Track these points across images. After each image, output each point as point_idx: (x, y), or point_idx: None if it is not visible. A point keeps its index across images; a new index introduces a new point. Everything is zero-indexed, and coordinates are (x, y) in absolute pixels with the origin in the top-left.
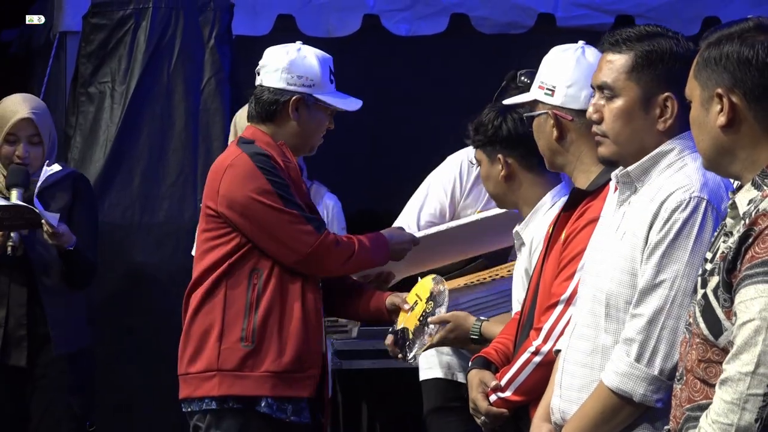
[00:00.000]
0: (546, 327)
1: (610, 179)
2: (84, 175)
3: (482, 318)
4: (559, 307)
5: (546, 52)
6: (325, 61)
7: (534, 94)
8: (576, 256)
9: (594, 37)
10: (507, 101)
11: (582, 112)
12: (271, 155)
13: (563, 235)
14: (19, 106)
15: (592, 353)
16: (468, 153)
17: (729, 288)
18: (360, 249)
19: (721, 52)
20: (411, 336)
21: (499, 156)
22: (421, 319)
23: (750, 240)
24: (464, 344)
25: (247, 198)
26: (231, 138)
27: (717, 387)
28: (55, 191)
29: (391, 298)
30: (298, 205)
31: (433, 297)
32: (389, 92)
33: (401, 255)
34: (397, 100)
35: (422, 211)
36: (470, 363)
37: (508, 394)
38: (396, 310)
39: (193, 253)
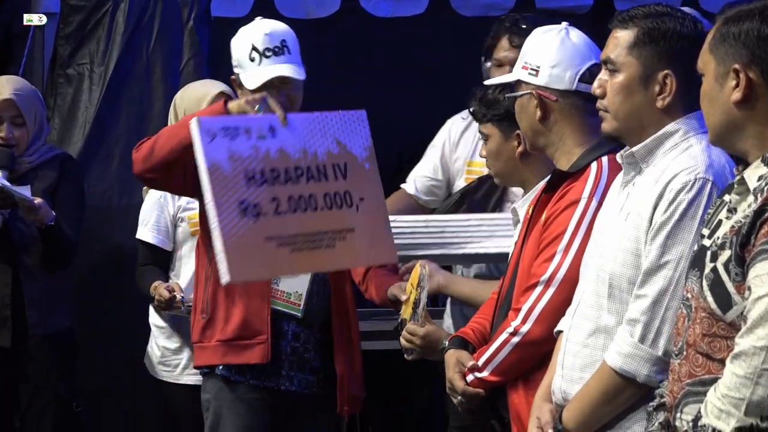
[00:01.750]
0: (525, 308)
1: (592, 161)
2: (72, 156)
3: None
4: (539, 288)
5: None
6: (246, 39)
7: (518, 74)
8: (556, 238)
9: (571, 20)
10: (490, 81)
11: (566, 93)
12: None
13: (543, 217)
14: (1, 87)
15: (595, 333)
16: (460, 114)
17: (741, 262)
18: (159, 135)
19: (741, 29)
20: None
21: (518, 132)
22: (414, 307)
23: (766, 215)
24: (432, 356)
25: None
26: (171, 120)
27: (728, 361)
28: (42, 171)
29: (392, 289)
30: None
31: (419, 283)
32: (368, 74)
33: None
34: (376, 82)
35: (417, 172)
36: (447, 343)
37: (485, 374)
38: (398, 301)
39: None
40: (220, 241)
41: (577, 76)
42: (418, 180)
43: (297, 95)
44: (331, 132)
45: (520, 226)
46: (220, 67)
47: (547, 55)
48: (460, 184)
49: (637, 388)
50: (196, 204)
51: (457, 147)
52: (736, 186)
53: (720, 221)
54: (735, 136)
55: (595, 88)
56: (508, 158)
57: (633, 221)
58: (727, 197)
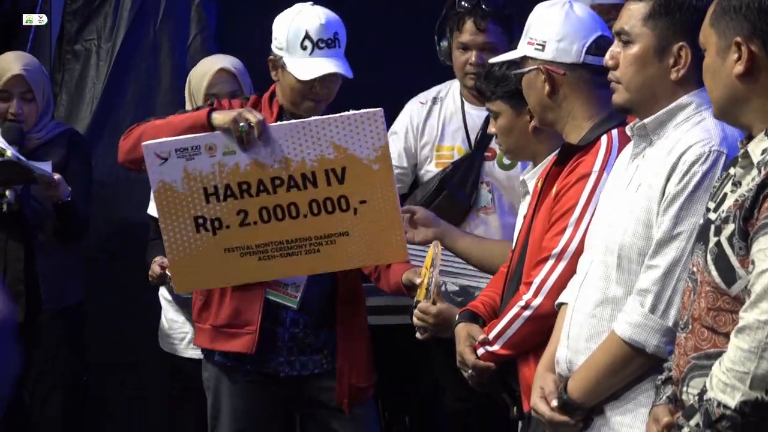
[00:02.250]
0: (537, 281)
1: (602, 134)
2: (79, 132)
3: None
4: (550, 262)
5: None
6: (300, 26)
7: (523, 50)
8: (567, 211)
9: None
10: (494, 59)
11: (574, 66)
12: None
13: (554, 190)
14: (11, 63)
15: (602, 304)
16: (417, 98)
17: (745, 236)
18: (148, 126)
19: (741, 1)
20: None
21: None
22: (428, 288)
23: None
24: (445, 334)
25: None
26: (186, 96)
27: (733, 335)
28: (51, 148)
29: (407, 274)
30: None
31: (432, 262)
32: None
33: (226, 121)
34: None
35: None
36: (457, 316)
37: (496, 347)
38: (413, 286)
39: None
40: (168, 257)
41: (584, 49)
42: None
43: (336, 88)
44: (328, 137)
45: (528, 198)
46: (226, 42)
47: (552, 29)
48: (430, 169)
49: (646, 358)
50: None
51: (423, 133)
52: (740, 159)
53: (725, 194)
54: (738, 109)
55: (607, 59)
56: (521, 133)
57: (644, 192)
58: (732, 170)
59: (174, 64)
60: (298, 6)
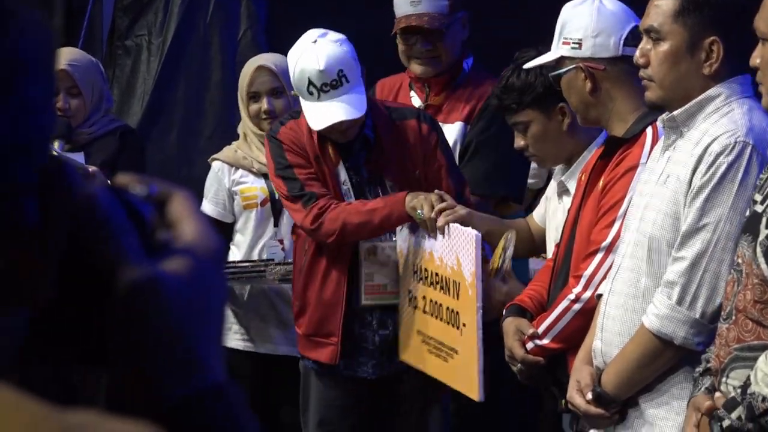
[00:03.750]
0: (586, 274)
1: (647, 126)
2: (132, 128)
3: None
4: (600, 255)
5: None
6: (303, 71)
7: (559, 51)
8: (616, 204)
9: None
10: (529, 64)
11: (613, 60)
12: (281, 140)
13: (601, 183)
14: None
15: (634, 297)
16: None
17: None
18: (347, 222)
19: None
20: None
21: (560, 105)
22: (498, 268)
23: None
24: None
25: (269, 175)
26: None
27: None
28: (103, 143)
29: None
30: (297, 181)
31: (505, 244)
32: None
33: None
34: None
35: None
36: (504, 311)
37: (546, 341)
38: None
39: None
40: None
41: (622, 41)
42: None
43: (354, 123)
44: (456, 247)
45: (566, 198)
46: (277, 37)
47: (586, 26)
48: None
49: (675, 350)
50: (248, 177)
51: None
52: None
53: None
54: None
55: (638, 57)
56: (557, 136)
57: (672, 184)
58: None
59: (224, 59)
60: (303, 43)
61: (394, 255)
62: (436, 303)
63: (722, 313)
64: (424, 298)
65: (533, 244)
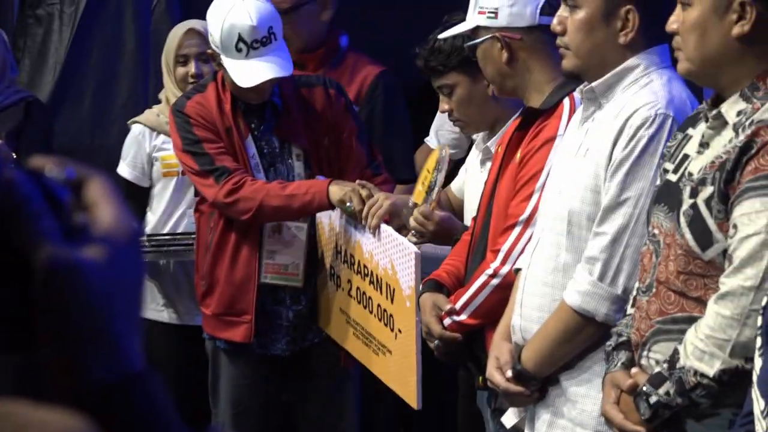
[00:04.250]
0: (504, 248)
1: (564, 97)
2: (39, 99)
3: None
4: (518, 228)
5: None
6: (233, 27)
7: (474, 20)
8: (533, 176)
9: None
10: (443, 34)
11: (530, 29)
12: (188, 114)
13: (518, 155)
14: None
15: (554, 272)
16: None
17: (725, 199)
18: (265, 204)
19: None
20: None
21: None
22: (428, 191)
23: (753, 151)
24: (445, 243)
25: (175, 152)
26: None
27: (712, 301)
28: (6, 113)
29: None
30: (207, 156)
31: (437, 165)
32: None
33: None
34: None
35: (439, 125)
36: (421, 286)
37: (463, 317)
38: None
39: None
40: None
41: (538, 10)
42: (440, 133)
43: (274, 81)
44: (390, 252)
45: (489, 164)
46: (191, 6)
47: None
48: None
49: (596, 327)
50: (170, 144)
51: None
52: (710, 120)
53: (687, 156)
54: (721, 70)
55: (555, 24)
56: (481, 101)
57: (592, 157)
58: (691, 131)
59: (138, 28)
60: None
61: (300, 236)
62: (364, 294)
63: (639, 285)
64: (349, 281)
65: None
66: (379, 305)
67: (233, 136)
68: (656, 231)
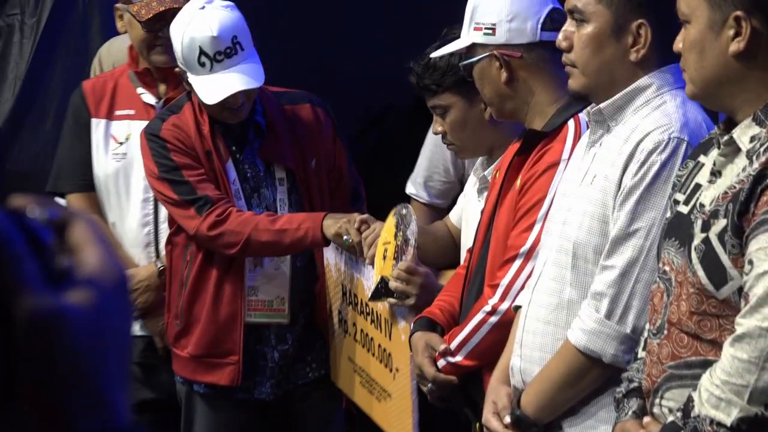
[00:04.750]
0: (504, 283)
1: (568, 118)
2: None
3: None
4: (518, 261)
5: None
6: (193, 41)
7: (470, 37)
8: (535, 205)
9: None
10: (436, 53)
11: (531, 46)
12: (164, 138)
13: (519, 181)
14: None
15: (557, 309)
16: None
17: (739, 233)
18: (253, 239)
19: None
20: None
21: None
22: (396, 256)
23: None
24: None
25: (148, 180)
26: (94, 71)
27: (728, 344)
28: None
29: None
30: (187, 184)
31: (399, 226)
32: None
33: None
34: (348, 36)
35: (424, 176)
36: (413, 324)
37: (459, 358)
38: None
39: None
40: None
41: (539, 25)
42: (430, 186)
43: (251, 94)
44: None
45: (486, 193)
46: None
47: (500, 9)
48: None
49: (603, 368)
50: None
51: None
52: (722, 147)
53: (698, 185)
54: (725, 90)
55: (560, 40)
56: (477, 125)
57: (600, 184)
58: (703, 158)
59: (105, 41)
60: (188, 11)
61: (284, 267)
62: (367, 335)
63: (650, 327)
64: (354, 325)
65: (456, 250)
66: (379, 345)
67: (213, 160)
68: (667, 268)
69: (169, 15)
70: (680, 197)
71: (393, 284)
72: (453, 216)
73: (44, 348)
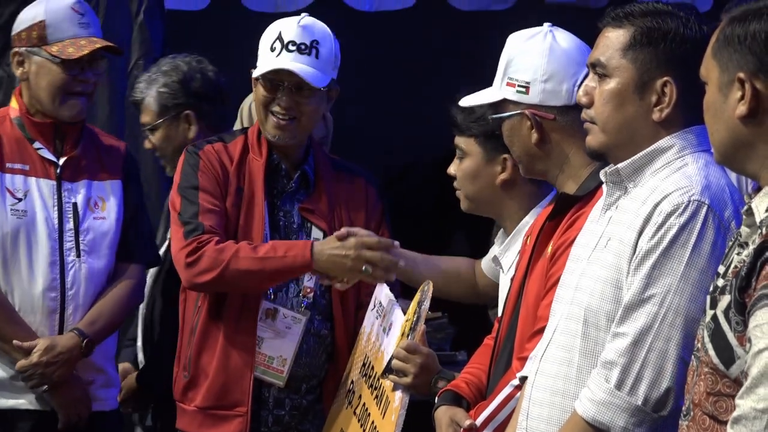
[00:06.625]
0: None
1: (602, 183)
2: None
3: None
4: None
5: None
6: (276, 27)
7: (501, 92)
8: None
9: (585, 15)
10: (465, 100)
11: (565, 109)
12: (200, 156)
13: (549, 248)
14: None
15: (565, 379)
16: None
17: (742, 309)
18: (231, 267)
19: (747, 30)
20: None
21: (504, 156)
22: (408, 333)
23: (767, 254)
24: (422, 390)
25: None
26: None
27: (729, 426)
28: None
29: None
30: (196, 207)
31: (420, 303)
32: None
33: (339, 266)
34: (360, 84)
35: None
36: (437, 398)
37: None
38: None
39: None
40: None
41: (575, 88)
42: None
43: (308, 105)
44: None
45: (503, 276)
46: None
47: (535, 67)
48: None
49: None
50: None
51: None
52: (745, 217)
53: (732, 260)
54: (741, 154)
55: (581, 96)
56: (487, 184)
57: (614, 248)
58: (741, 229)
59: (113, 90)
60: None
61: (296, 327)
62: (366, 410)
63: (683, 407)
64: (360, 398)
65: (474, 289)
66: (372, 422)
67: (243, 198)
68: (699, 345)
69: (98, 55)
70: (721, 269)
71: (396, 362)
72: (484, 264)
73: None
